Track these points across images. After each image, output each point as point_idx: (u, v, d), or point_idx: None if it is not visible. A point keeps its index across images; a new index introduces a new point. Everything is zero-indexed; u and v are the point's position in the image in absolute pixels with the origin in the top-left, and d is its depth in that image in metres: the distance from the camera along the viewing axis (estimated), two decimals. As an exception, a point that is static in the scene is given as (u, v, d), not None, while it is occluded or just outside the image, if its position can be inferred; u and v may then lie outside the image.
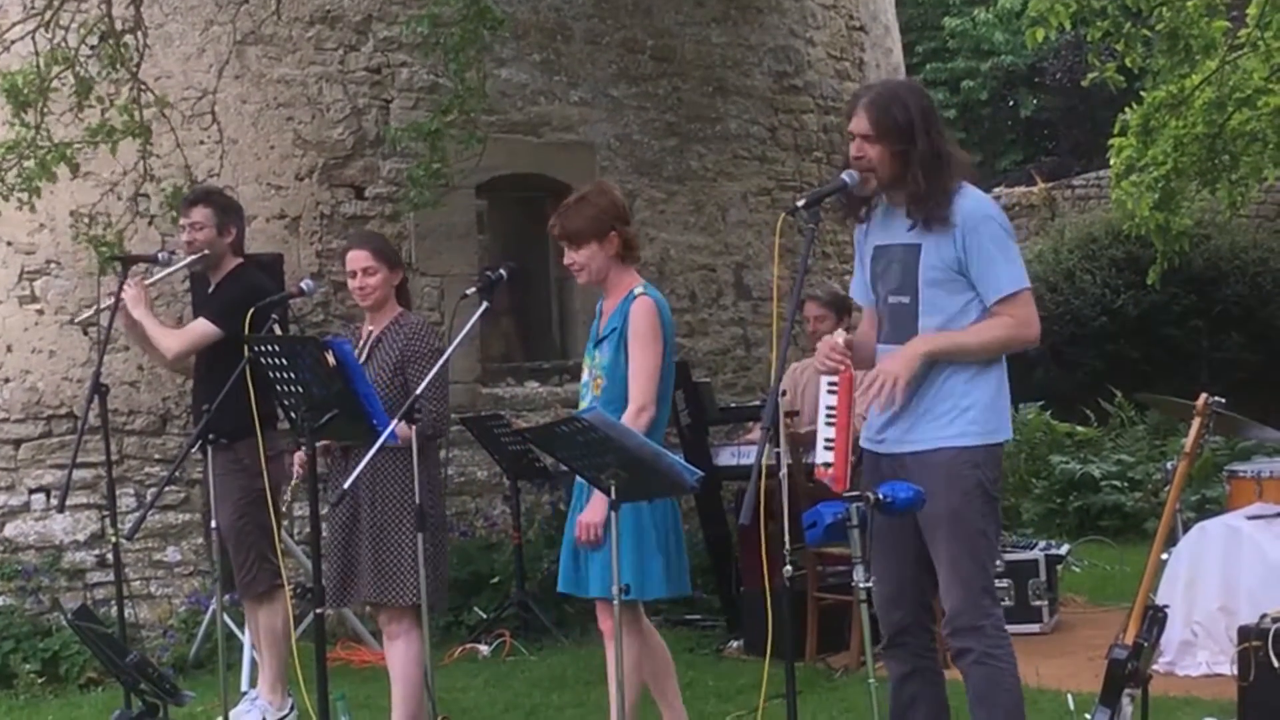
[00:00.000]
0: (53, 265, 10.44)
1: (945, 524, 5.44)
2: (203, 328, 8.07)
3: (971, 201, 5.49)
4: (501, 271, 6.51)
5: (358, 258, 7.25)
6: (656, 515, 6.42)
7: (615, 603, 5.72)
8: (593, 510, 6.33)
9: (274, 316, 7.29)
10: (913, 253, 5.50)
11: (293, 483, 7.26)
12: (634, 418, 6.25)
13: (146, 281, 8.42)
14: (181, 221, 8.36)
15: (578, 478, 6.59)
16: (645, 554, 6.37)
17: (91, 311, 8.64)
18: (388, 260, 7.29)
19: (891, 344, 5.59)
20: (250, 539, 7.93)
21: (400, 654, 7.10)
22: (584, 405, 6.55)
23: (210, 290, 8.33)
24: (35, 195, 9.09)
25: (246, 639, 8.87)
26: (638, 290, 6.55)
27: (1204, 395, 6.53)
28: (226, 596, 8.41)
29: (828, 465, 5.50)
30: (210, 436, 7.40)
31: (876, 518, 5.34)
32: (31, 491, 10.35)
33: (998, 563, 8.65)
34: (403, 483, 6.96)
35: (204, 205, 8.31)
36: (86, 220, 9.65)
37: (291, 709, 8.30)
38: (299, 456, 7.14)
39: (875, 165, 5.47)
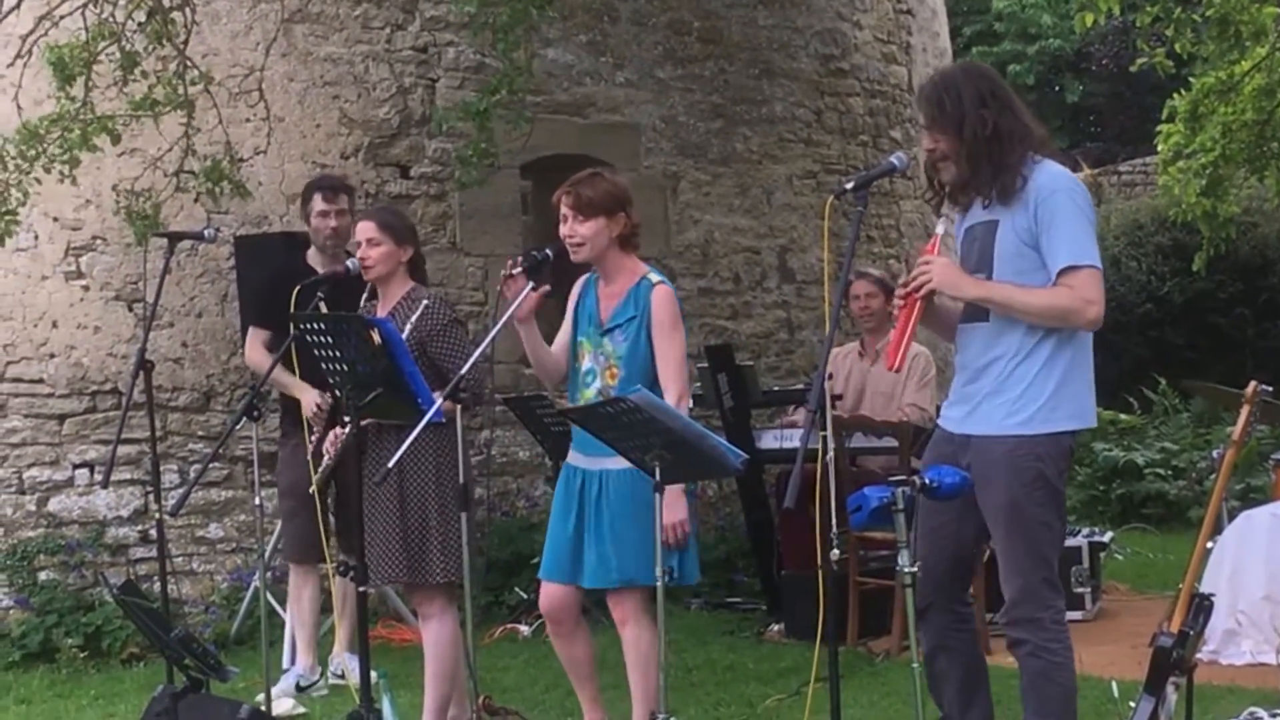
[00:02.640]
0: (99, 241, 10.47)
1: (1005, 515, 5.41)
2: None
3: (1046, 175, 5.43)
4: (547, 251, 6.48)
5: (364, 229, 7.22)
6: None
7: (659, 584, 5.69)
8: (675, 509, 6.30)
9: (320, 294, 7.29)
10: (990, 229, 5.48)
11: (325, 463, 7.25)
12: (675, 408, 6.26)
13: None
14: (326, 206, 8.59)
15: (563, 469, 6.63)
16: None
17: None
18: (394, 234, 7.20)
19: (971, 321, 5.55)
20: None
21: (434, 634, 7.09)
22: (589, 394, 6.48)
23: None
24: (74, 165, 9.10)
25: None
26: (654, 278, 6.53)
27: (1254, 383, 6.49)
28: (269, 573, 8.47)
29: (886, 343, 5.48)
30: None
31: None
32: (75, 467, 10.39)
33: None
34: (430, 460, 6.95)
35: (345, 193, 8.62)
36: (129, 194, 9.65)
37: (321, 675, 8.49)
38: (329, 439, 7.14)
39: (949, 154, 5.47)
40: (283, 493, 8.69)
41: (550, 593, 6.66)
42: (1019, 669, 5.54)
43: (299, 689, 8.44)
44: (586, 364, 6.57)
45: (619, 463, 6.01)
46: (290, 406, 8.36)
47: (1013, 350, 5.43)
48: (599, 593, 6.81)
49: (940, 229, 5.58)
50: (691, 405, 9.35)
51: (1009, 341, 5.44)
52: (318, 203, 8.58)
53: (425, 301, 7.03)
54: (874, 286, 9.78)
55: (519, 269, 6.33)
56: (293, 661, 8.84)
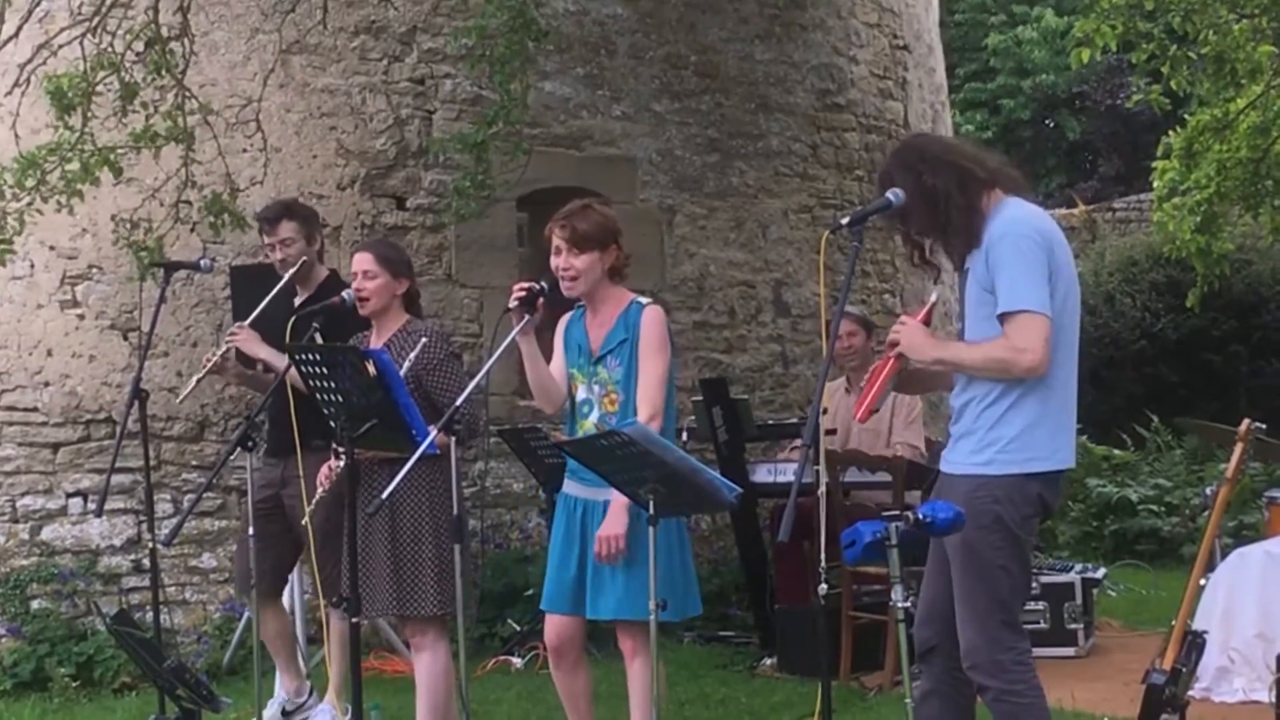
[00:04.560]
0: (94, 270, 10.49)
1: (960, 555, 5.36)
2: None
3: (999, 220, 5.41)
4: (543, 284, 6.48)
5: (361, 260, 7.26)
6: (669, 537, 6.37)
7: (652, 619, 5.70)
8: (612, 523, 6.29)
9: (315, 325, 7.29)
10: (965, 279, 5.50)
11: (318, 495, 7.20)
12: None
13: (248, 322, 8.23)
14: (267, 240, 8.28)
15: (560, 498, 6.60)
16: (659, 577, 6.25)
17: (194, 383, 8.32)
18: (391, 267, 7.25)
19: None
20: (337, 540, 7.82)
21: (426, 666, 7.08)
22: (588, 425, 6.45)
23: (301, 303, 8.21)
24: (76, 198, 9.12)
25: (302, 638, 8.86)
26: (645, 300, 6.54)
27: (1246, 420, 6.51)
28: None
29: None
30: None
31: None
32: (69, 495, 10.39)
33: (1034, 587, 8.63)
34: (424, 492, 6.96)
35: (288, 219, 8.27)
36: (128, 225, 9.67)
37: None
38: (323, 471, 7.12)
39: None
40: None
41: (557, 625, 6.58)
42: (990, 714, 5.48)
43: (285, 714, 8.38)
44: (581, 395, 6.54)
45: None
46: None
47: (982, 393, 5.41)
48: (593, 624, 6.75)
49: (933, 297, 5.60)
50: (687, 439, 9.41)
51: (979, 384, 5.43)
52: (264, 237, 8.43)
53: (424, 339, 7.03)
54: (855, 325, 9.79)
55: (515, 302, 6.32)
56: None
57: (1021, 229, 5.36)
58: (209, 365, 8.08)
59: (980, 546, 5.32)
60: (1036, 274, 5.30)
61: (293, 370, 7.42)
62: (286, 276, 8.16)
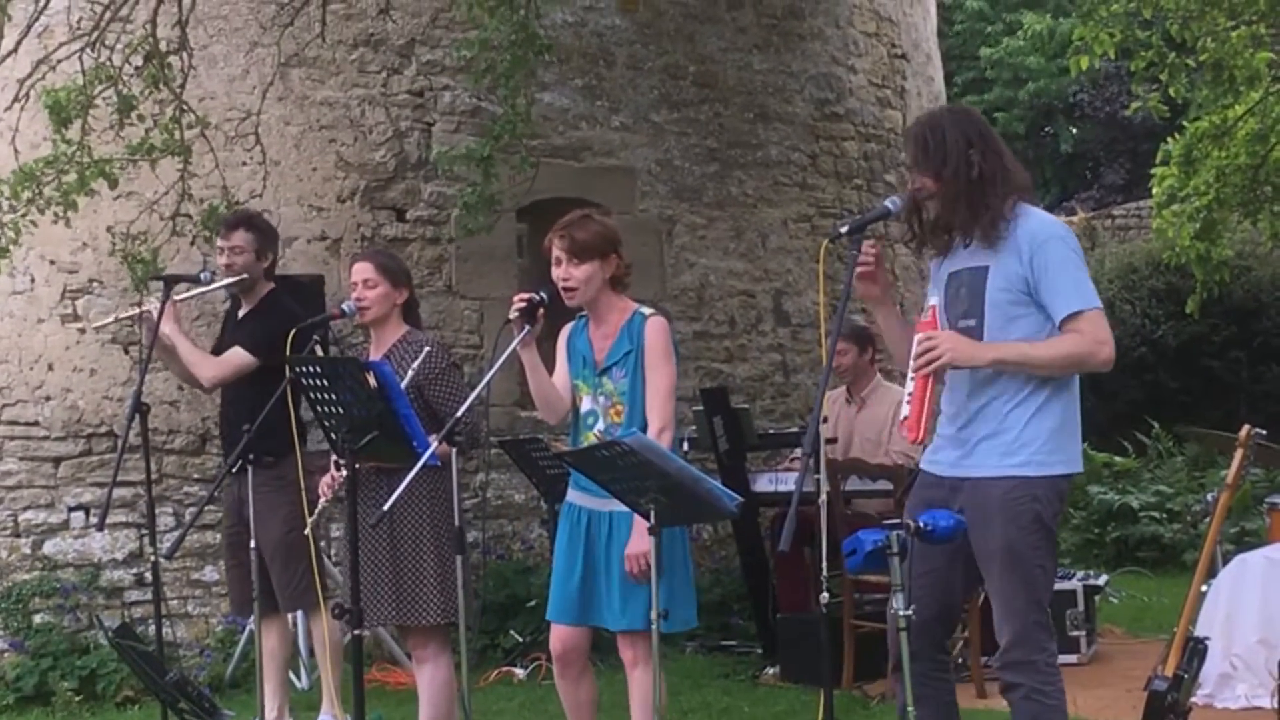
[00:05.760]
0: (95, 284, 10.50)
1: (1000, 557, 5.37)
2: (240, 358, 8.06)
3: (1036, 221, 5.45)
4: (543, 294, 6.48)
5: (361, 269, 7.29)
6: (676, 547, 6.36)
7: (654, 628, 5.69)
8: (639, 541, 6.23)
9: (315, 337, 7.30)
10: (979, 275, 5.46)
11: (320, 506, 7.22)
12: (655, 438, 6.09)
13: (178, 298, 8.39)
14: (220, 244, 8.36)
15: (564, 508, 6.59)
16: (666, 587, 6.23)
17: (110, 319, 8.88)
18: (390, 276, 7.28)
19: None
20: (300, 550, 7.77)
21: (428, 677, 7.09)
22: (592, 436, 6.43)
23: (242, 315, 8.33)
24: (71, 209, 9.13)
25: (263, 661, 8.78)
26: (647, 311, 6.52)
27: (1246, 426, 6.52)
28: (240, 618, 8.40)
29: (904, 417, 5.47)
30: (251, 456, 7.43)
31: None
32: (71, 509, 10.40)
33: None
34: (424, 503, 6.96)
35: (245, 229, 8.32)
36: (125, 238, 9.68)
37: None
38: (325, 481, 7.14)
39: (934, 192, 5.48)
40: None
41: (562, 635, 6.55)
42: (1012, 713, 5.50)
43: None
44: (586, 406, 6.51)
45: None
46: (230, 436, 8.22)
47: (1009, 393, 5.41)
48: (597, 634, 6.75)
49: (934, 300, 5.58)
50: (688, 449, 9.40)
51: (1003, 384, 5.42)
52: (219, 240, 8.49)
53: (427, 348, 7.05)
54: (844, 343, 9.71)
55: (516, 313, 6.31)
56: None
57: (1062, 232, 5.48)
58: (130, 311, 8.39)
59: (1022, 547, 5.36)
60: (1087, 272, 5.44)
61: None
62: (224, 283, 8.39)
